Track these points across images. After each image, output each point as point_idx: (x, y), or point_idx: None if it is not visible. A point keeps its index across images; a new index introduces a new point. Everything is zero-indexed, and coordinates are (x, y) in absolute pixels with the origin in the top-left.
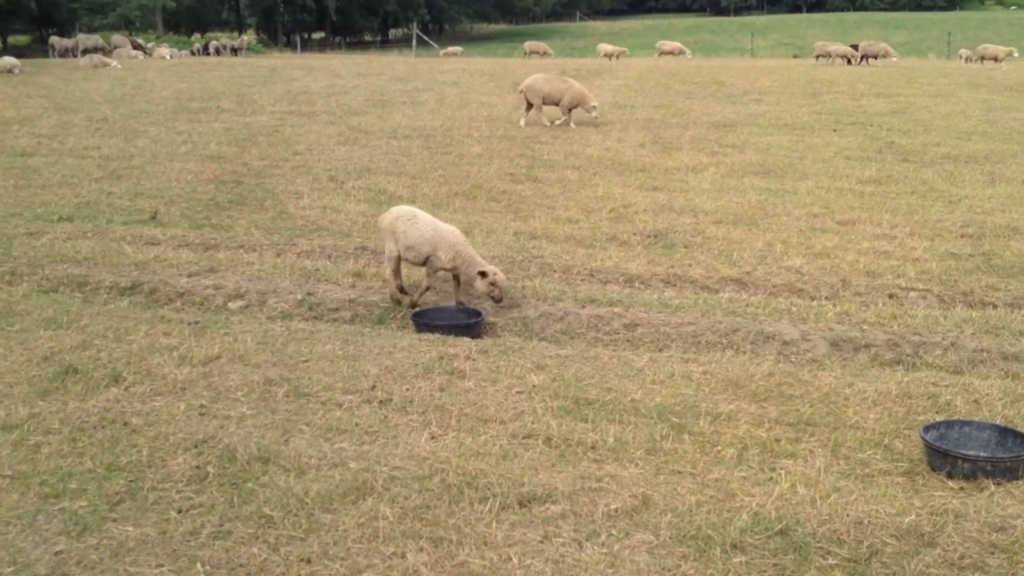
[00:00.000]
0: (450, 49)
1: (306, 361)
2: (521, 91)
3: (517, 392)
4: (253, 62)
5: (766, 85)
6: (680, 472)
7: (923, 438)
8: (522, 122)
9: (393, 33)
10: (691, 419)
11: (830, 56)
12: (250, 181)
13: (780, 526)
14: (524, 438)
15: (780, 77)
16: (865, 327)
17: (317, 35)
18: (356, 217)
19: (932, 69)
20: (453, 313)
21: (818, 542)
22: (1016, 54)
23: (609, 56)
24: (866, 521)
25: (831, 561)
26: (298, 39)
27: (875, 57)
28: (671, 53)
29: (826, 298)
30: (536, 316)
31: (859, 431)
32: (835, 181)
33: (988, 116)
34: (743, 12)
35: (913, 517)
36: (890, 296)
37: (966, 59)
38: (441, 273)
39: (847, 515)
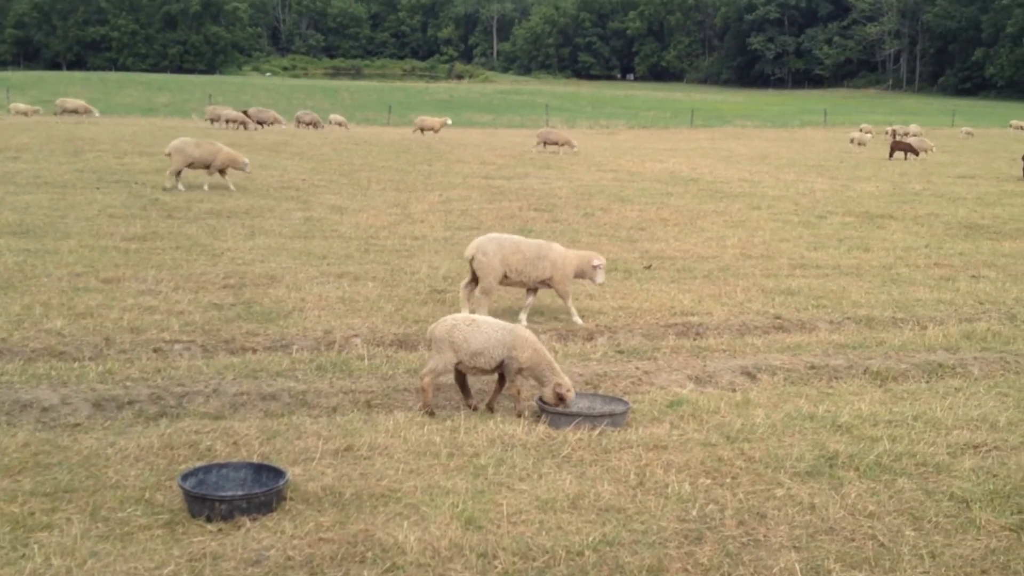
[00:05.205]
0: None
1: None
2: (168, 153)
3: None
4: None
5: (24, 142)
6: None
7: (181, 486)
8: (181, 186)
9: None
10: None
11: (221, 119)
12: None
13: None
14: None
15: (39, 134)
16: (129, 383)
17: None
18: None
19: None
20: None
21: None
22: (450, 122)
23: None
24: None
25: None
26: None
27: (266, 123)
28: (76, 112)
29: (89, 358)
30: None
31: (120, 490)
32: (99, 239)
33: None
34: None
35: (172, 567)
36: (155, 350)
37: (415, 130)
38: None
39: None
